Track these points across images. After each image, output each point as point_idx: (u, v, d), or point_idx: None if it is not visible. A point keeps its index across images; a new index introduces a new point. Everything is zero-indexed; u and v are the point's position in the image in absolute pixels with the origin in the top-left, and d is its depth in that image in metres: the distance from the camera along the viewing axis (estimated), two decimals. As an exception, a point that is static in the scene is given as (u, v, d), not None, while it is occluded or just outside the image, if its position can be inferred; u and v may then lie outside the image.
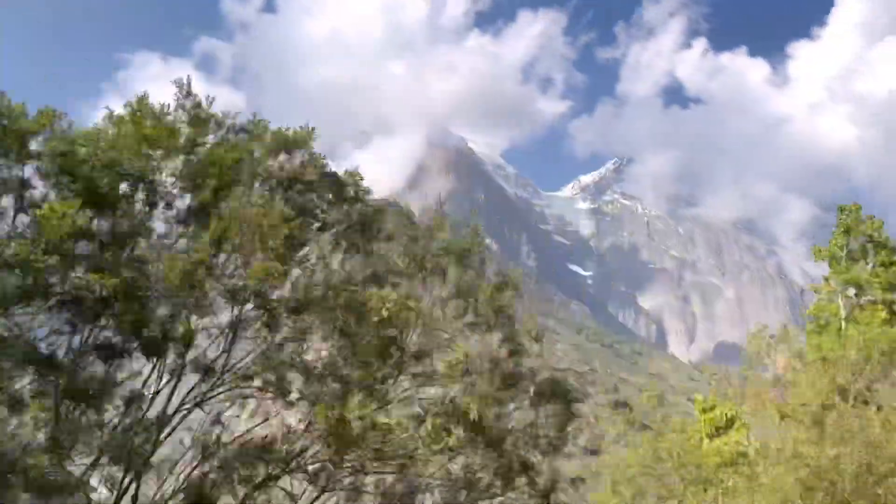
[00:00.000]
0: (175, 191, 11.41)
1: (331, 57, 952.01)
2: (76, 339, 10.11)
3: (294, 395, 11.12)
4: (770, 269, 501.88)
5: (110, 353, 10.26)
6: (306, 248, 11.84)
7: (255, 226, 10.21)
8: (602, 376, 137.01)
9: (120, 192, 10.66)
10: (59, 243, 9.07)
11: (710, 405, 29.36)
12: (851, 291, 24.99)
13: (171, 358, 10.60)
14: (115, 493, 10.00)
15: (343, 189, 12.85)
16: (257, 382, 11.14)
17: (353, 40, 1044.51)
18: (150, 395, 10.61)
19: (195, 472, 10.85)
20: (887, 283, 24.09)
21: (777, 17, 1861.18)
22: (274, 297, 10.94)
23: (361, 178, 12.98)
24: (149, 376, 10.73)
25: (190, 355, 10.72)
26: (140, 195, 11.04)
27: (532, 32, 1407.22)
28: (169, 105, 11.46)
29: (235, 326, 10.86)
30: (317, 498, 11.79)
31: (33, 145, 10.21)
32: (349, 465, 11.48)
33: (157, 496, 10.58)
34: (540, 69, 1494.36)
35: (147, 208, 11.17)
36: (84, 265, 9.75)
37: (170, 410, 10.61)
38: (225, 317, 10.96)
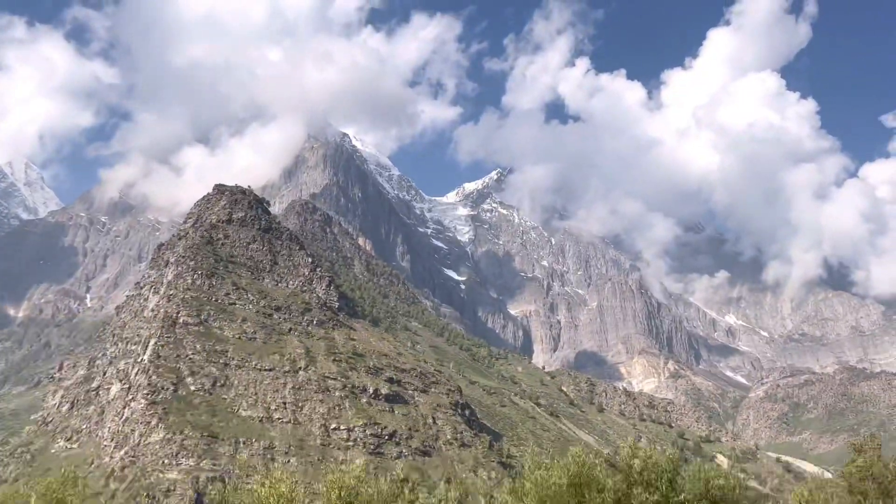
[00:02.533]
0: None
1: (205, 36, 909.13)
2: None
3: None
4: (631, 282, 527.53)
5: None
6: None
7: None
8: (449, 378, 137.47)
9: None
10: None
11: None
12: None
13: None
14: None
15: None
16: None
17: (229, 20, 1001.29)
18: None
19: None
20: None
21: (655, 44, 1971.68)
22: None
23: None
24: None
25: None
26: None
27: (427, 36, 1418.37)
28: None
29: None
30: None
31: None
32: None
33: None
34: (432, 73, 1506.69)
35: None
36: None
37: None
38: None
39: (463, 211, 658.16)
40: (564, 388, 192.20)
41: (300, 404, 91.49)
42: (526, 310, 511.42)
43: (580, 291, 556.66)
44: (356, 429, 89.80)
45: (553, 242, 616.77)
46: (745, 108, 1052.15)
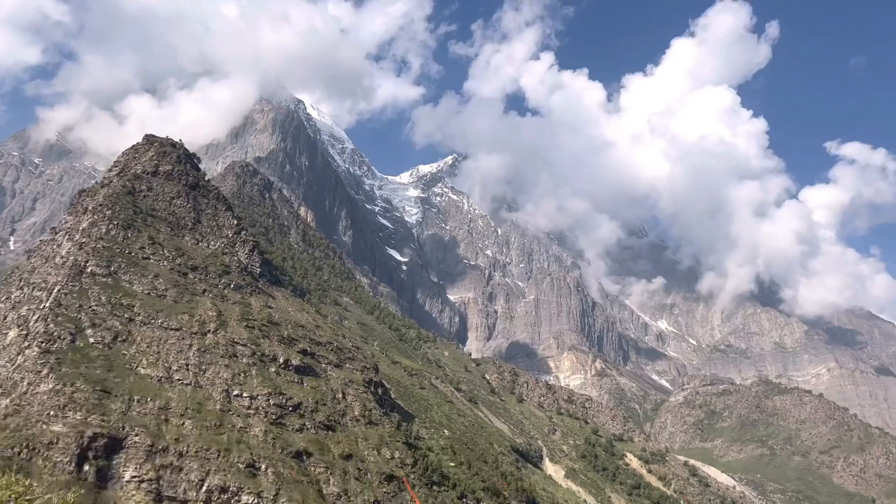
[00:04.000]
0: None
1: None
2: None
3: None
4: (570, 280, 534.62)
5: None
6: None
7: None
8: (369, 355, 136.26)
9: None
10: None
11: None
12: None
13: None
14: None
15: None
16: None
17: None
18: None
19: None
20: None
21: (620, 48, 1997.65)
22: None
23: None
24: None
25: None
26: None
27: (395, 11, 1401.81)
28: None
29: None
30: None
31: None
32: None
33: None
34: (398, 50, 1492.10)
35: None
36: None
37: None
38: None
39: (414, 192, 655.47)
40: (488, 376, 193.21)
41: (203, 367, 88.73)
42: (465, 297, 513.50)
43: (520, 283, 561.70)
44: (259, 397, 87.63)
45: (499, 233, 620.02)
46: (698, 121, 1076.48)
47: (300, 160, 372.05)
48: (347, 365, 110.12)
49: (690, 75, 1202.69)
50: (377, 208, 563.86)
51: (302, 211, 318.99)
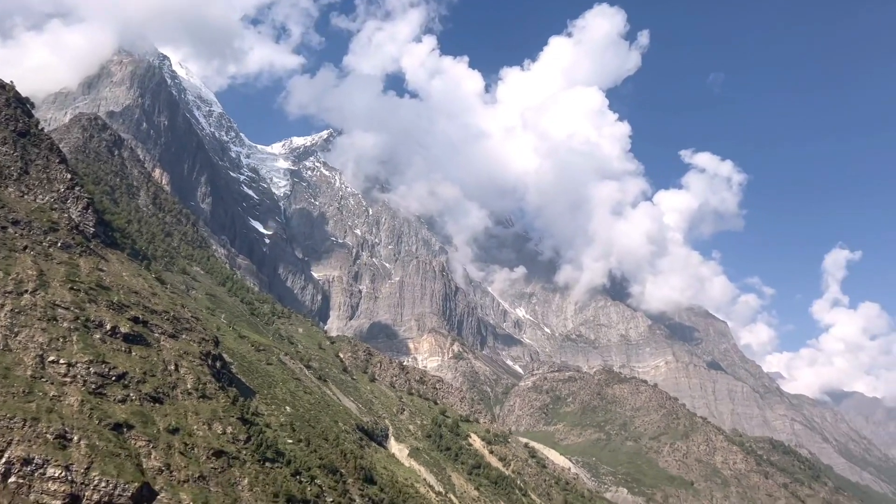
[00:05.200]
0: None
1: None
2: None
3: None
4: (436, 264, 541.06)
5: None
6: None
7: None
8: (213, 327, 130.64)
9: None
10: None
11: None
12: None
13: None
14: None
15: None
16: None
17: None
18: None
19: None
20: None
21: (501, 40, 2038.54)
22: None
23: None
24: None
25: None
26: None
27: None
28: None
29: None
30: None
31: None
32: None
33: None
34: (278, 15, 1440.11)
35: None
36: None
37: None
38: None
39: (284, 164, 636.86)
40: (341, 355, 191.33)
41: (16, 330, 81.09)
42: (330, 275, 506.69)
43: (387, 265, 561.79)
44: (79, 365, 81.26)
45: (370, 213, 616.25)
46: (567, 119, 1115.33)
47: (159, 119, 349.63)
48: (184, 336, 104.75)
49: (564, 74, 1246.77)
50: (242, 177, 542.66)
51: (156, 173, 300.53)
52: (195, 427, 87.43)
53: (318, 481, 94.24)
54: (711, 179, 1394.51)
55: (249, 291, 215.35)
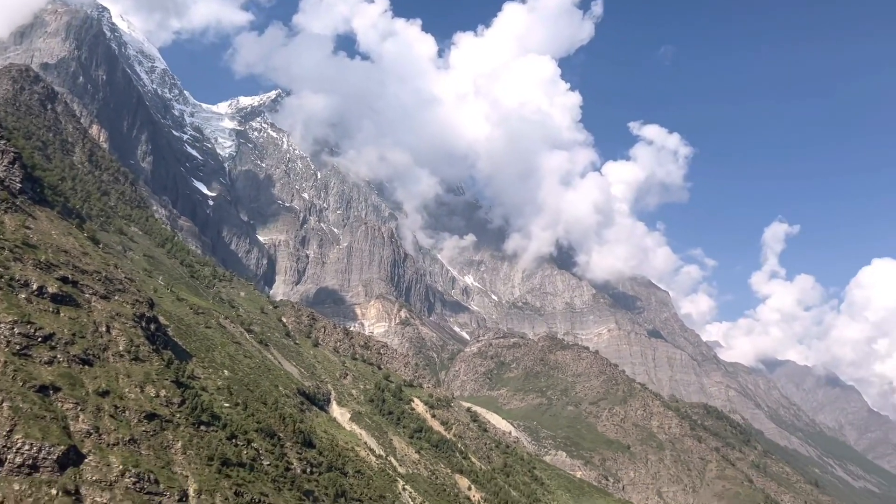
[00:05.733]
0: None
1: None
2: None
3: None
4: (385, 230, 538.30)
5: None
6: None
7: None
8: (151, 289, 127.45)
9: None
10: None
11: None
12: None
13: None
14: None
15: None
16: None
17: None
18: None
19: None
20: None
21: (454, 4, 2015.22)
22: None
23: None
24: None
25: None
26: None
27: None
28: None
29: None
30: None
31: None
32: None
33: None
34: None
35: None
36: None
37: None
38: None
39: (230, 124, 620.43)
40: (284, 319, 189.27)
41: (-67, 289, 77.43)
42: (276, 238, 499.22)
43: (335, 230, 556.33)
44: (2, 325, 78.04)
45: (319, 176, 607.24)
46: (519, 87, 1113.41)
47: (97, 73, 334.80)
48: (117, 297, 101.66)
49: (518, 42, 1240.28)
50: (186, 136, 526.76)
51: (94, 129, 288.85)
52: (126, 390, 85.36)
53: (254, 445, 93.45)
54: (658, 152, 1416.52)
55: (190, 254, 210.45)
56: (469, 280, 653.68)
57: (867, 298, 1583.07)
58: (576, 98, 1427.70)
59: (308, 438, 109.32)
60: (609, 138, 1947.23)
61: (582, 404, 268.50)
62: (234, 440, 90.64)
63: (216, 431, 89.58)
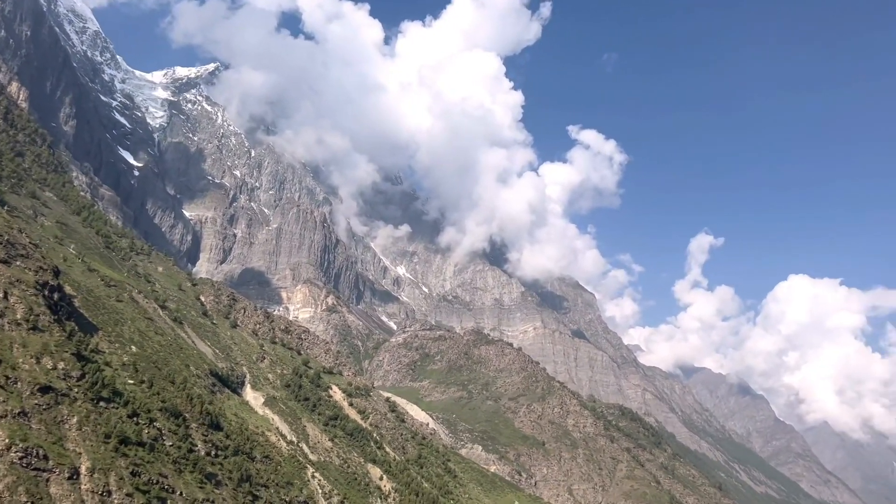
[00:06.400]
0: None
1: None
2: None
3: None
4: (318, 214, 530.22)
5: None
6: None
7: None
8: (59, 257, 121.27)
9: None
10: None
11: None
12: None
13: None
14: None
15: None
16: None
17: None
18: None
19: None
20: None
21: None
22: None
23: None
24: None
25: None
26: None
27: None
28: None
29: None
30: None
31: None
32: None
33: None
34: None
35: None
36: None
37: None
38: None
39: (162, 94, 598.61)
40: (203, 298, 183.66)
41: None
42: (203, 215, 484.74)
43: (266, 210, 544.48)
44: None
45: (252, 154, 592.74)
46: (464, 82, 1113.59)
47: (20, 28, 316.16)
48: (18, 263, 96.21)
49: (465, 36, 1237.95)
50: (115, 103, 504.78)
51: (13, 87, 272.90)
52: (21, 360, 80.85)
53: (157, 424, 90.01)
54: (595, 157, 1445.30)
55: (108, 224, 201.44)
56: (401, 270, 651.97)
57: (782, 312, 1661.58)
58: (518, 97, 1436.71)
59: (216, 420, 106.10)
60: (548, 140, 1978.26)
61: (501, 399, 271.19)
62: (135, 418, 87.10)
63: (117, 409, 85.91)
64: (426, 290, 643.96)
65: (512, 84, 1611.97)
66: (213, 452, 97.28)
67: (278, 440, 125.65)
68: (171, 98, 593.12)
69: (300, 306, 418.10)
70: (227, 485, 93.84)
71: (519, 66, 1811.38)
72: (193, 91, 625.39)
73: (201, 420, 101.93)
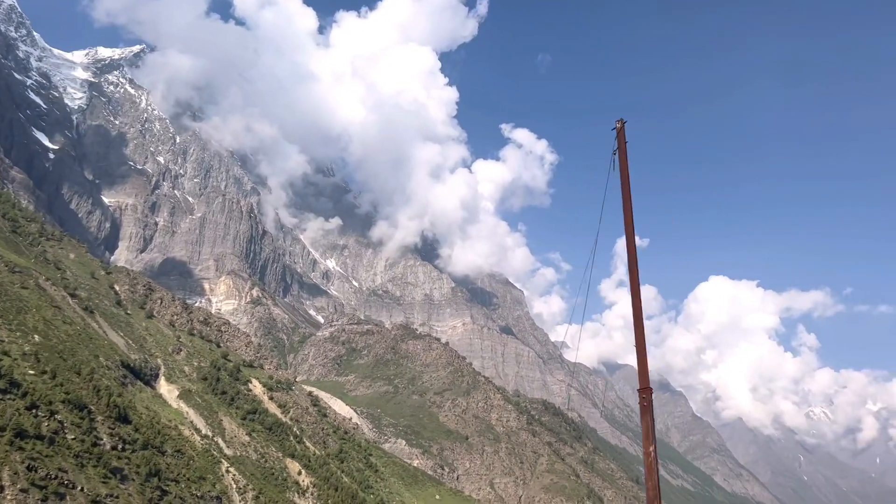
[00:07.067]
0: None
1: None
2: None
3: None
4: (244, 204, 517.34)
5: None
6: None
7: None
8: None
9: None
10: None
11: None
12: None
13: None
14: None
15: None
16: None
17: None
18: None
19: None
20: None
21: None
22: None
23: None
24: None
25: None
26: None
27: None
28: None
29: None
30: None
31: None
32: None
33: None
34: None
35: None
36: None
37: None
38: None
39: (83, 74, 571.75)
40: (117, 287, 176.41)
41: None
42: (123, 202, 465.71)
43: (190, 199, 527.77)
44: None
45: (177, 141, 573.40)
46: (398, 75, 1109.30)
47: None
48: None
49: (400, 29, 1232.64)
50: (30, 81, 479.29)
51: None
52: None
53: (58, 417, 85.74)
54: (526, 156, 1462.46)
55: (16, 207, 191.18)
56: (331, 264, 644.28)
57: (702, 312, 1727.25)
58: (453, 93, 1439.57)
59: (124, 413, 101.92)
60: (481, 137, 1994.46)
61: (427, 394, 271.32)
62: (34, 410, 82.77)
63: (14, 400, 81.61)
64: (356, 284, 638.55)
65: (447, 80, 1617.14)
66: (119, 446, 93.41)
67: (192, 434, 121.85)
68: (92, 79, 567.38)
69: (223, 298, 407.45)
70: (133, 480, 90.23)
71: (454, 63, 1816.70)
72: (116, 73, 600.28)
73: (108, 413, 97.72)
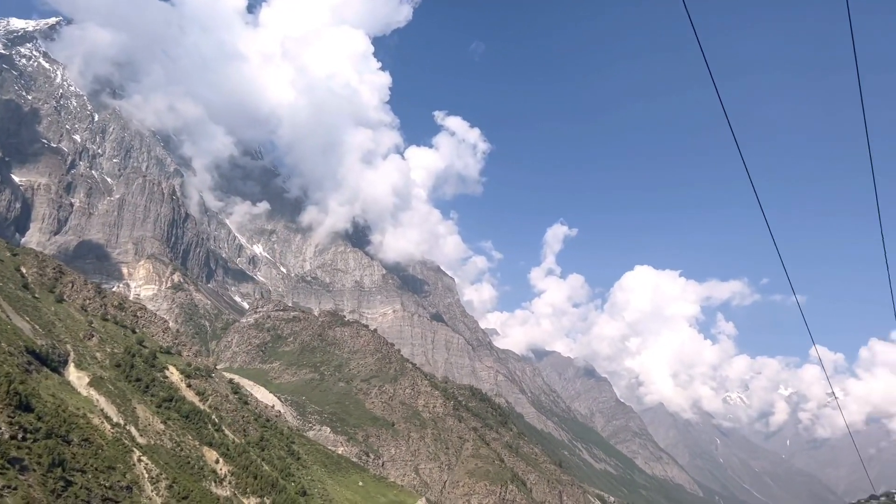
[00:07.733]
0: None
1: None
2: None
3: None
4: (166, 186, 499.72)
5: None
6: None
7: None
8: None
9: None
10: None
11: None
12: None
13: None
14: None
15: None
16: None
17: None
18: None
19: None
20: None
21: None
22: None
23: None
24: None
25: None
26: None
27: None
28: None
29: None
30: None
31: None
32: None
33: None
34: None
35: None
36: None
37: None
38: None
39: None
40: (24, 269, 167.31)
41: None
42: (35, 181, 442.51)
43: (109, 180, 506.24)
44: None
45: (96, 118, 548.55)
46: (330, 58, 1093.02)
47: None
48: None
49: (332, 10, 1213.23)
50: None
51: None
52: None
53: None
54: (459, 144, 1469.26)
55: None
56: (258, 249, 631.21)
57: (626, 300, 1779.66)
58: (386, 78, 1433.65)
59: (26, 401, 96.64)
60: (414, 124, 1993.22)
61: (354, 381, 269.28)
62: (-80, 400, 77.40)
63: None
64: (284, 270, 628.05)
65: (380, 65, 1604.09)
66: (20, 436, 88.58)
67: (102, 423, 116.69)
68: (3, 51, 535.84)
69: (142, 283, 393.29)
70: (34, 470, 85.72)
71: (388, 48, 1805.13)
72: (29, 45, 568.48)
73: (7, 401, 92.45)
